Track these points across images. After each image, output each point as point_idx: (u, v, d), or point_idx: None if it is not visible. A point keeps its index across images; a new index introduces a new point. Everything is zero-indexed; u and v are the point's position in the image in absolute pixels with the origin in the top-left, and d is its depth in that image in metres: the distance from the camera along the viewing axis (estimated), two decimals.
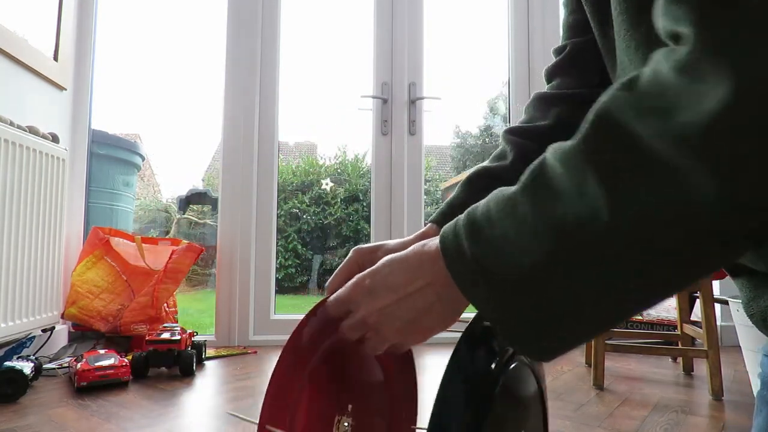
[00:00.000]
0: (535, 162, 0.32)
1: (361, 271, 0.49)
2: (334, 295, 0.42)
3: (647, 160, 0.26)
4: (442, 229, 0.36)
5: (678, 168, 0.25)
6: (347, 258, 0.54)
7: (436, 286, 0.35)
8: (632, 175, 0.26)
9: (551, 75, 0.64)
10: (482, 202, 0.34)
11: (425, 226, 0.59)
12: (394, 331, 0.38)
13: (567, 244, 0.28)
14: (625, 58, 0.41)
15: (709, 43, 0.24)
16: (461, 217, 0.35)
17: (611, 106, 0.28)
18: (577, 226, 0.28)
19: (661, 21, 0.28)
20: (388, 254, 0.49)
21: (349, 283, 0.41)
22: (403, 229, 2.11)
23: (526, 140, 0.58)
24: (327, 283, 0.54)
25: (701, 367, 1.58)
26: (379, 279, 0.38)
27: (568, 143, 0.30)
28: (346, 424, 0.46)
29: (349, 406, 0.46)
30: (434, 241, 0.36)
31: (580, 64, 0.59)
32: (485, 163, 0.60)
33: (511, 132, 0.60)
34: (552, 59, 0.65)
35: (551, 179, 0.30)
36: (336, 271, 0.53)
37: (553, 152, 0.31)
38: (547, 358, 0.32)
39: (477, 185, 0.57)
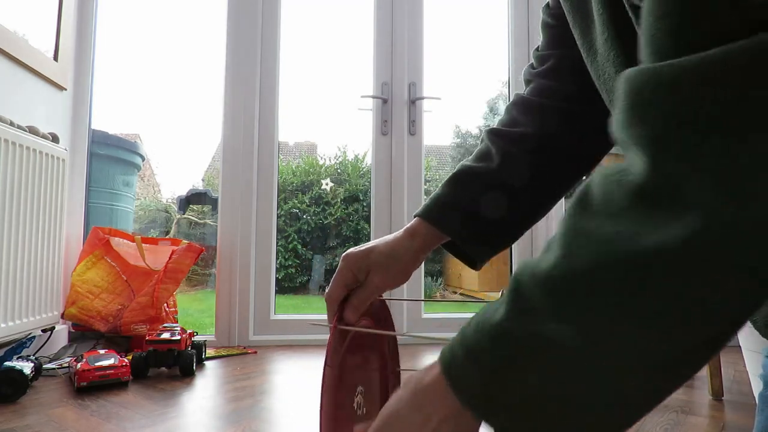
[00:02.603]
0: (512, 283, 0.33)
1: (355, 280, 0.54)
2: None
3: (628, 282, 0.27)
4: (441, 360, 0.35)
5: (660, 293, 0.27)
6: (339, 267, 0.55)
7: (450, 418, 0.34)
8: (613, 298, 0.28)
9: (531, 79, 0.65)
10: (472, 324, 0.34)
11: (413, 219, 0.60)
12: None
13: (563, 368, 0.29)
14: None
15: (670, 171, 0.26)
16: (455, 345, 0.35)
17: (572, 230, 0.30)
18: (569, 350, 0.29)
19: (618, 132, 0.29)
20: (380, 258, 0.54)
21: None
22: None
23: (511, 146, 0.60)
24: (326, 295, 0.55)
25: None
26: None
27: (546, 263, 0.31)
28: (360, 396, 0.54)
29: (360, 388, 0.55)
30: (431, 375, 0.35)
31: (562, 79, 0.61)
32: (470, 162, 0.61)
33: (496, 134, 0.61)
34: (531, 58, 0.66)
35: (534, 304, 0.31)
36: (332, 281, 0.55)
37: (529, 275, 0.32)
38: None
39: (463, 184, 0.59)
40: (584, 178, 0.63)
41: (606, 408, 0.30)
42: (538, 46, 0.65)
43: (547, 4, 0.63)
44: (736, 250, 0.25)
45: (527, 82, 0.65)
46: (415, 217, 0.60)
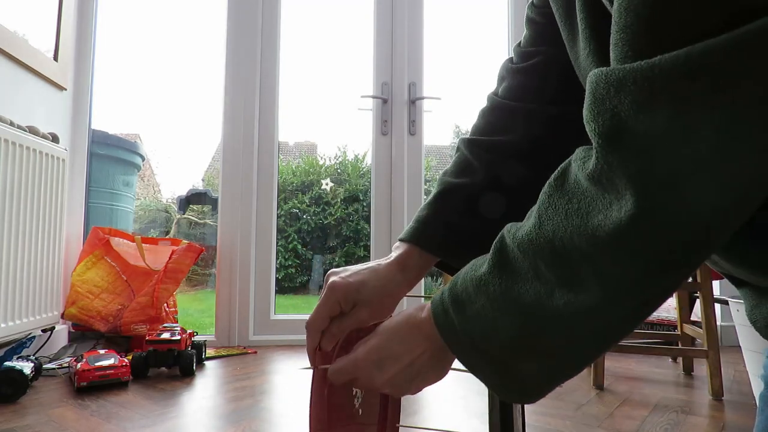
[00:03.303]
0: (497, 241, 0.39)
1: (340, 310, 0.51)
2: (338, 366, 0.46)
3: (577, 252, 0.33)
4: (432, 303, 0.42)
5: (593, 259, 0.32)
6: (325, 296, 0.51)
7: (432, 351, 0.42)
8: (567, 264, 0.33)
9: (509, 76, 0.61)
10: (461, 274, 0.41)
11: (398, 244, 0.57)
12: (401, 392, 0.46)
13: (530, 318, 0.35)
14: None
15: (610, 161, 0.30)
16: (446, 291, 0.41)
17: (546, 203, 0.35)
18: (536, 303, 0.35)
19: (585, 126, 0.33)
20: (371, 294, 0.53)
21: (354, 357, 0.46)
22: (403, 230, 2.10)
23: (494, 156, 0.57)
24: (308, 323, 0.51)
25: (701, 367, 1.58)
26: (383, 354, 0.44)
27: (524, 229, 0.36)
28: (358, 399, 0.54)
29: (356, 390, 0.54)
30: (423, 313, 0.43)
31: (548, 79, 0.58)
32: (453, 178, 0.58)
33: (476, 144, 0.58)
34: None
35: (511, 261, 0.37)
36: (316, 309, 0.51)
37: (511, 237, 0.38)
38: (528, 402, 0.39)
39: (449, 203, 0.57)
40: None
41: (564, 352, 0.36)
42: (519, 42, 0.62)
43: (531, 2, 0.60)
44: (658, 235, 0.30)
45: (502, 78, 0.62)
46: (402, 241, 0.57)
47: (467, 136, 0.61)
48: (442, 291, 0.42)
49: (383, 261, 0.55)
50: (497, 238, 0.39)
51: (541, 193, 0.36)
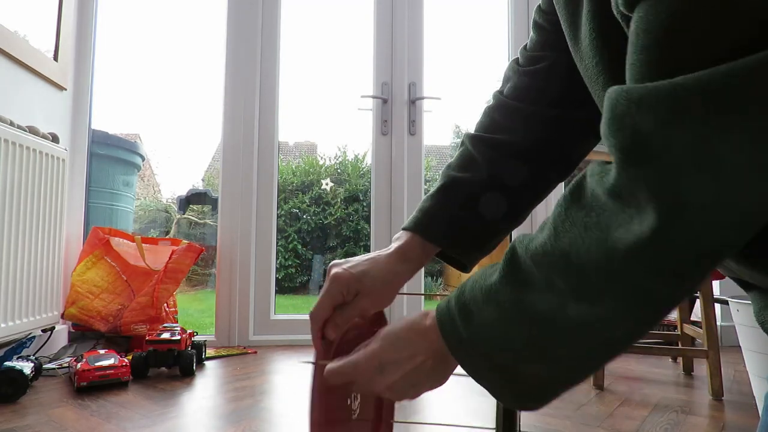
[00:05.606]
0: (508, 252, 0.38)
1: (343, 299, 0.53)
2: (336, 367, 0.46)
3: (594, 264, 0.33)
4: (437, 311, 0.42)
5: (614, 274, 0.32)
6: (328, 287, 0.53)
7: (435, 359, 0.42)
8: (583, 276, 0.33)
9: (514, 77, 0.63)
10: (469, 283, 0.41)
11: (400, 234, 0.59)
12: (400, 397, 0.46)
13: (542, 329, 0.35)
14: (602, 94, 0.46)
15: (632, 175, 0.30)
16: (452, 300, 0.41)
17: (562, 215, 0.35)
18: (549, 314, 0.35)
19: (603, 140, 0.34)
20: (373, 284, 0.54)
21: (354, 360, 0.45)
22: None
23: (496, 153, 0.59)
24: (311, 313, 0.53)
25: (701, 367, 1.58)
26: (385, 359, 0.44)
27: (538, 240, 0.36)
28: (354, 400, 0.55)
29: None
30: (427, 320, 0.43)
31: (551, 82, 0.60)
32: (456, 172, 0.60)
33: (479, 140, 0.61)
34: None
35: (523, 272, 0.37)
36: (319, 299, 0.53)
37: (523, 248, 0.37)
38: (530, 409, 0.40)
39: (452, 196, 0.59)
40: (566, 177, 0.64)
41: (573, 362, 0.37)
42: (525, 45, 0.64)
43: (539, 7, 0.61)
44: (678, 248, 0.30)
45: (508, 78, 0.64)
46: (403, 230, 0.59)
47: (471, 131, 0.63)
48: (448, 299, 0.41)
49: (384, 252, 0.57)
50: (508, 249, 0.39)
51: (556, 206, 0.37)
